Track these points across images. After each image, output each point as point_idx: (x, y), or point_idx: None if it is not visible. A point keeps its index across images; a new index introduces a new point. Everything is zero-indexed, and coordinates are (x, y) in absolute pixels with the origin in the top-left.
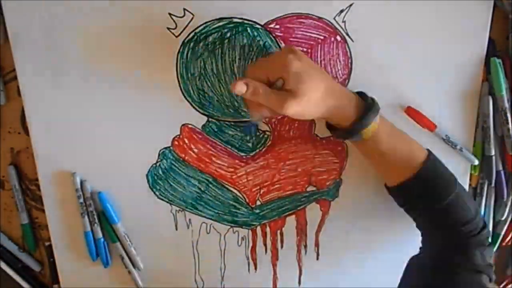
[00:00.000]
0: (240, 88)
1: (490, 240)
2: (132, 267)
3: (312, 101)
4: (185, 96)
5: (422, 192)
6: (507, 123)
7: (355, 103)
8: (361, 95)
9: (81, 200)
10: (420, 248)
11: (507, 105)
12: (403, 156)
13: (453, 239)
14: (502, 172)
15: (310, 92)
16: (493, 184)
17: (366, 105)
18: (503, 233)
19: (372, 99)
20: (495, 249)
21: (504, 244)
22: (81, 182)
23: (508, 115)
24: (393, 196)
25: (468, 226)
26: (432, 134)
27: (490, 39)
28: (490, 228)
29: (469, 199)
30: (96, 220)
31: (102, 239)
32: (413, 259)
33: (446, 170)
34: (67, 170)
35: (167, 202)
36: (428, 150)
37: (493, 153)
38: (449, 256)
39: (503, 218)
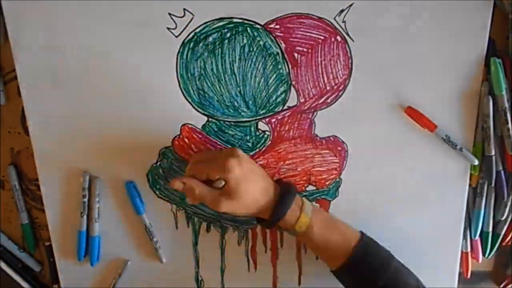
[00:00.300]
0: (176, 186)
1: (490, 240)
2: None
3: (244, 203)
4: (185, 96)
5: (359, 274)
6: (507, 123)
7: (273, 193)
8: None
9: (85, 199)
10: None
11: (507, 105)
12: (337, 244)
13: None
14: (502, 172)
15: (245, 195)
16: (493, 184)
17: (282, 192)
18: (503, 233)
19: (289, 184)
20: (495, 249)
21: (504, 244)
22: (90, 180)
23: (508, 115)
24: (338, 279)
25: None
26: (432, 134)
27: (490, 39)
28: (490, 229)
29: (409, 274)
30: (96, 215)
31: (98, 237)
32: None
33: (380, 248)
34: (67, 170)
35: (167, 201)
36: (360, 232)
37: (493, 153)
38: None
39: (503, 218)
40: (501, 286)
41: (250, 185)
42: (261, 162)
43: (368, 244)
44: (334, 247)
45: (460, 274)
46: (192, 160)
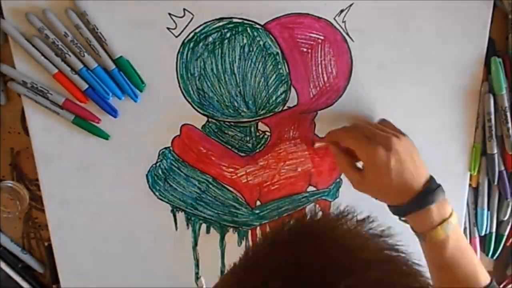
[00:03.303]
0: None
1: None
2: None
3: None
4: (185, 96)
5: None
6: (507, 122)
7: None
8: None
9: None
10: None
11: (507, 104)
12: (466, 273)
13: None
14: (504, 172)
15: (396, 178)
16: (495, 183)
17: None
18: (506, 233)
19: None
20: (499, 249)
21: (508, 244)
22: None
23: (508, 114)
24: None
25: None
26: (432, 134)
27: (490, 39)
28: (494, 229)
29: None
30: None
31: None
32: None
33: None
34: (67, 171)
35: (167, 202)
36: (491, 277)
37: (495, 151)
38: None
39: (505, 218)
40: (501, 286)
41: (405, 168)
42: (261, 163)
43: None
44: (463, 276)
45: None
46: (345, 129)
